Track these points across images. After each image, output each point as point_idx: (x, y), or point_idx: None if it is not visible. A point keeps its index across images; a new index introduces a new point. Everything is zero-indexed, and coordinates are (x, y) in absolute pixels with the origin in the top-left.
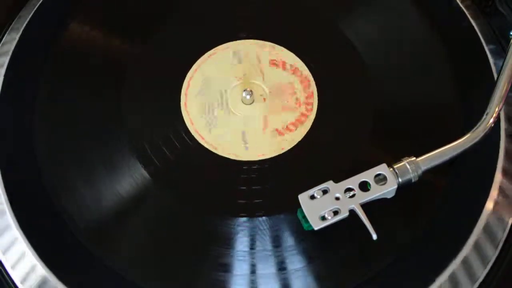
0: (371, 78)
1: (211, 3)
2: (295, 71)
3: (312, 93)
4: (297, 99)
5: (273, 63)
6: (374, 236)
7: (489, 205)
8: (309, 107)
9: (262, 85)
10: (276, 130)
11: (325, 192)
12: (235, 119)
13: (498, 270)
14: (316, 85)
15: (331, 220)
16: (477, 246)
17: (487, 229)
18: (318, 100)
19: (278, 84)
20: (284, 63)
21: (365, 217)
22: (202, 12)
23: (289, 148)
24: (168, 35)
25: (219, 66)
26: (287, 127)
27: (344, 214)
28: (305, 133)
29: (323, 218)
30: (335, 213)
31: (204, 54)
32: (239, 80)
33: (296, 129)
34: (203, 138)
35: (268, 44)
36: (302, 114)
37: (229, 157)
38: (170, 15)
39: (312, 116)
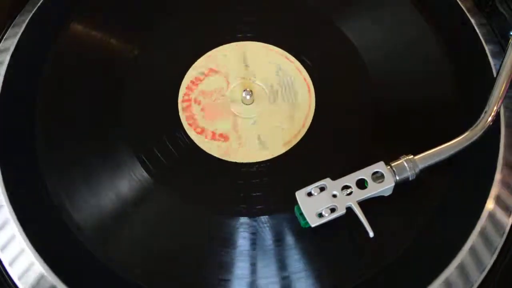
0: (371, 77)
1: (211, 4)
2: None
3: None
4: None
5: None
6: (371, 234)
7: (490, 204)
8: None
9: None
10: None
11: (322, 189)
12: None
13: (504, 260)
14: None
15: (328, 217)
16: (478, 245)
17: (488, 228)
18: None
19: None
20: None
21: (362, 214)
22: (202, 13)
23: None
24: (168, 36)
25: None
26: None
27: (341, 212)
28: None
29: (320, 215)
30: (332, 210)
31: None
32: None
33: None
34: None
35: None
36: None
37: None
38: (170, 15)
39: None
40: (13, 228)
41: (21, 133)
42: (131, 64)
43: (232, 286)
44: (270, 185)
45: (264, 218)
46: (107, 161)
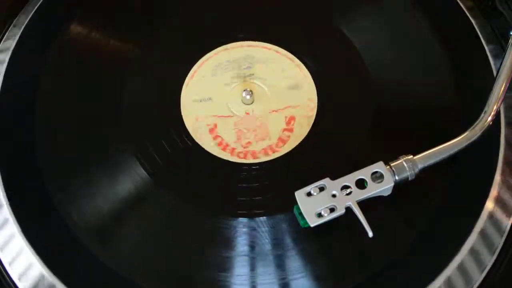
0: (371, 77)
1: (212, 4)
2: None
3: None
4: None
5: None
6: (370, 234)
7: (490, 203)
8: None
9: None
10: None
11: (321, 189)
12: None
13: (504, 260)
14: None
15: (327, 217)
16: (478, 245)
17: (488, 228)
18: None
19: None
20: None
21: (361, 214)
22: (203, 13)
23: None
24: (168, 36)
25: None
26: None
27: (340, 212)
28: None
29: (320, 215)
30: (332, 210)
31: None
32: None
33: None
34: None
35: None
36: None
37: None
38: (171, 15)
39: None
40: (13, 228)
41: (21, 132)
42: (131, 64)
43: (231, 286)
44: (269, 185)
45: (263, 219)
46: (107, 161)
